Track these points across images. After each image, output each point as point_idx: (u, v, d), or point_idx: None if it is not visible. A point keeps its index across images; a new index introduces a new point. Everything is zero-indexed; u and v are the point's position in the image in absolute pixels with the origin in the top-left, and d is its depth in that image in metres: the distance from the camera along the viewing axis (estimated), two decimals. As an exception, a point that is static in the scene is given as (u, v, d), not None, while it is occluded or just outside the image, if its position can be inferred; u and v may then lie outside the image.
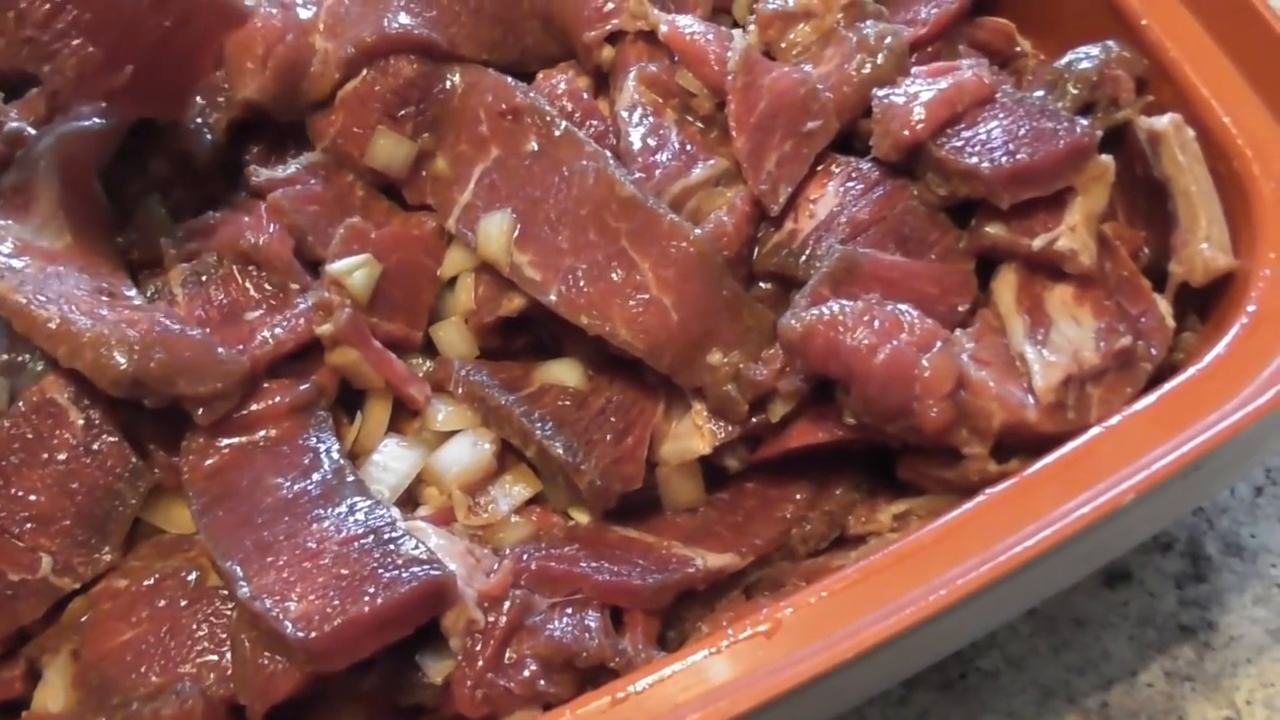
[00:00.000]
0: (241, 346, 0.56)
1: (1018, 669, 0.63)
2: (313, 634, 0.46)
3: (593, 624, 0.51)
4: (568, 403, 0.57)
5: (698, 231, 0.57)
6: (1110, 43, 0.62)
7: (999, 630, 0.63)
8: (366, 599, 0.47)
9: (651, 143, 0.61)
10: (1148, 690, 0.62)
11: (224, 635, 0.50)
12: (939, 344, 0.51)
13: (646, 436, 0.57)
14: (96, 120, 0.62)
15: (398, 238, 0.63)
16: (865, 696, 0.55)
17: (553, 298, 0.57)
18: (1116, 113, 0.60)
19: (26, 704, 0.54)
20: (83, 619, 0.53)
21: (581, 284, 0.56)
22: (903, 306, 0.53)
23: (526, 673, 0.50)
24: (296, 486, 0.53)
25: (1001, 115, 0.58)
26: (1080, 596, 0.64)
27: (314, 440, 0.55)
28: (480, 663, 0.50)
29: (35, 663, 0.55)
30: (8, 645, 0.55)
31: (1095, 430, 0.50)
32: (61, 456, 0.55)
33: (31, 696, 0.54)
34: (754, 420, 0.56)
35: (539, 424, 0.56)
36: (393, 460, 0.57)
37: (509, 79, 0.64)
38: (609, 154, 0.59)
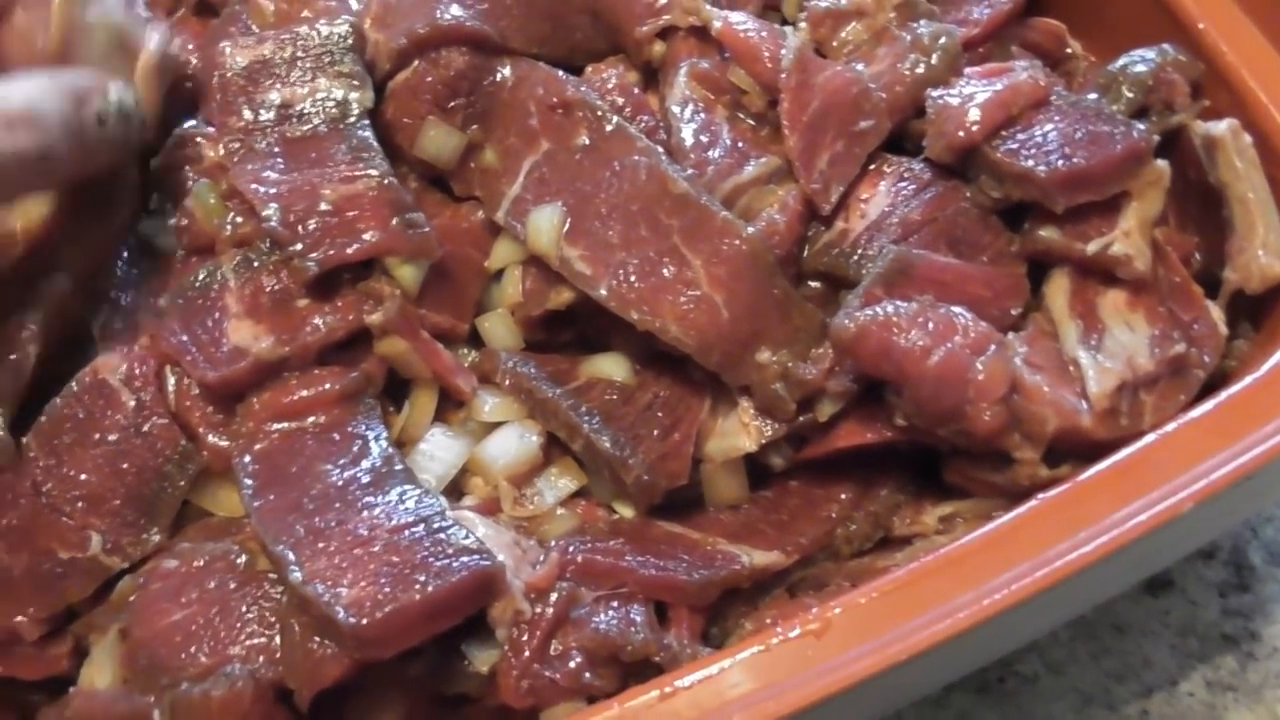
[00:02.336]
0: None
1: (1057, 674, 0.63)
2: (364, 621, 0.46)
3: (638, 618, 0.52)
4: (614, 397, 0.57)
5: (750, 229, 0.57)
6: (1166, 46, 0.62)
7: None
8: (418, 587, 0.47)
9: (703, 139, 0.61)
10: (1188, 699, 0.62)
11: (273, 619, 0.50)
12: (993, 347, 0.51)
13: (693, 433, 0.57)
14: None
15: (446, 230, 0.63)
16: (909, 699, 0.55)
17: (603, 292, 0.57)
18: (1171, 117, 0.60)
19: (72, 680, 0.54)
20: (131, 599, 0.53)
21: (632, 279, 0.56)
22: (956, 309, 0.52)
23: (572, 664, 0.50)
24: (346, 473, 0.53)
25: (1057, 118, 0.57)
26: (1121, 603, 0.64)
27: (363, 428, 0.55)
28: (526, 653, 0.50)
29: (82, 641, 0.55)
30: (56, 623, 0.56)
31: (1150, 437, 0.49)
32: (112, 437, 0.56)
33: (78, 674, 0.55)
34: (801, 419, 0.56)
35: (586, 417, 0.56)
36: (439, 450, 0.58)
37: (560, 72, 0.64)
38: (661, 150, 0.59)
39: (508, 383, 0.59)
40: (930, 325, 0.51)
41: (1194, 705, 0.62)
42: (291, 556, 0.49)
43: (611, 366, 0.59)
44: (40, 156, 0.52)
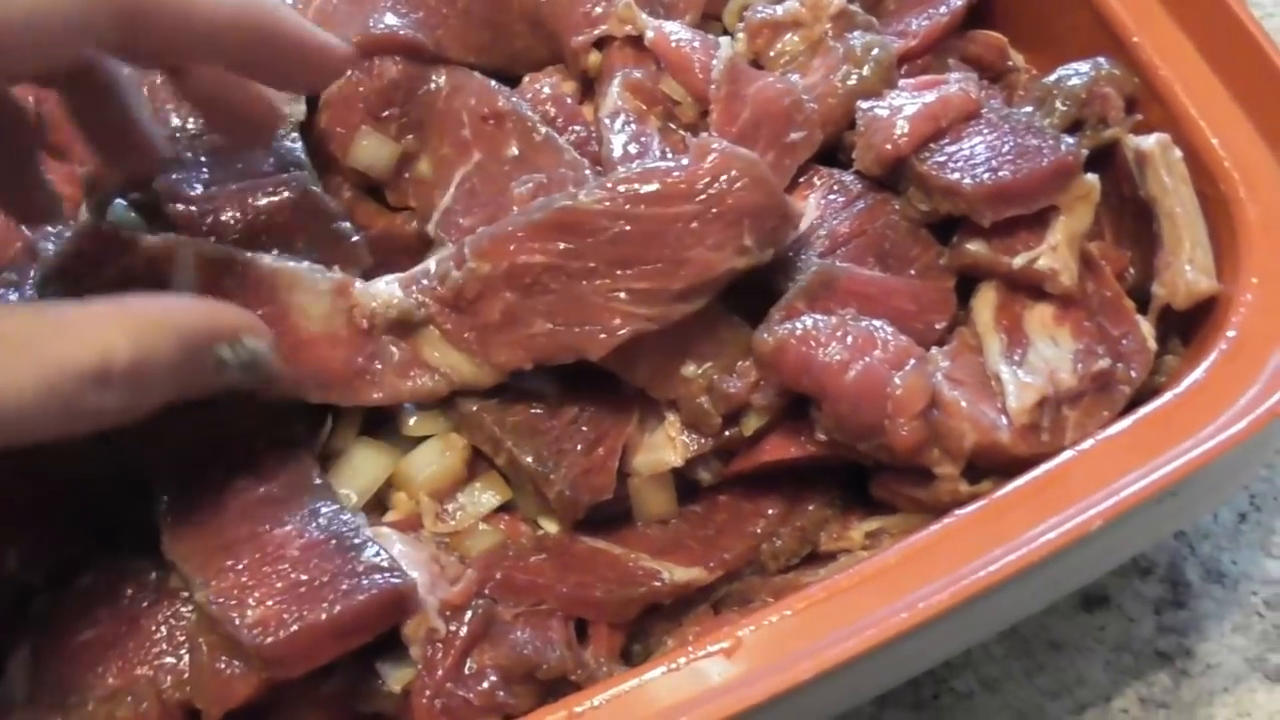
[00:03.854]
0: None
1: (991, 691, 0.62)
2: (269, 640, 0.45)
3: (555, 635, 0.51)
4: (540, 411, 0.57)
5: (672, 244, 0.56)
6: (1101, 60, 0.61)
7: (973, 651, 0.63)
8: (325, 606, 0.46)
9: (633, 150, 0.60)
10: (1122, 716, 0.61)
11: (183, 638, 0.50)
12: (912, 362, 0.50)
13: (618, 447, 0.56)
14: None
15: (381, 240, 0.63)
16: (833, 714, 0.54)
17: (527, 305, 0.56)
18: (1104, 131, 0.60)
19: (-13, 700, 0.54)
20: (46, 615, 0.53)
21: (555, 293, 0.56)
22: (877, 323, 0.52)
23: (486, 684, 0.49)
24: (262, 488, 0.52)
25: (986, 131, 0.57)
26: (1057, 619, 0.64)
27: (284, 441, 0.54)
28: (440, 672, 0.49)
29: (-2, 658, 0.55)
30: (-29, 640, 0.55)
31: (1068, 454, 0.49)
32: (31, 449, 0.55)
33: (-8, 692, 0.54)
34: (727, 433, 0.56)
35: (509, 432, 0.55)
36: (362, 464, 0.57)
37: (493, 83, 0.63)
38: (586, 163, 0.58)
39: (433, 395, 0.58)
40: (849, 339, 0.50)
41: (1128, 722, 0.61)
42: (199, 574, 0.48)
43: (538, 380, 0.58)
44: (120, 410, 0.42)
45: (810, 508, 0.57)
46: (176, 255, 0.53)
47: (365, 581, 0.47)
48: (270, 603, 0.47)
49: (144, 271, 0.52)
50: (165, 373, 0.42)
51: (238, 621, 0.46)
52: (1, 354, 0.37)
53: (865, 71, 0.60)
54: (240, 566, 0.48)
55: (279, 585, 0.47)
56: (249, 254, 0.54)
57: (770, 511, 0.57)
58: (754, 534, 0.56)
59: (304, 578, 0.47)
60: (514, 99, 0.62)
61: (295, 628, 0.46)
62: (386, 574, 0.48)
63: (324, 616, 0.46)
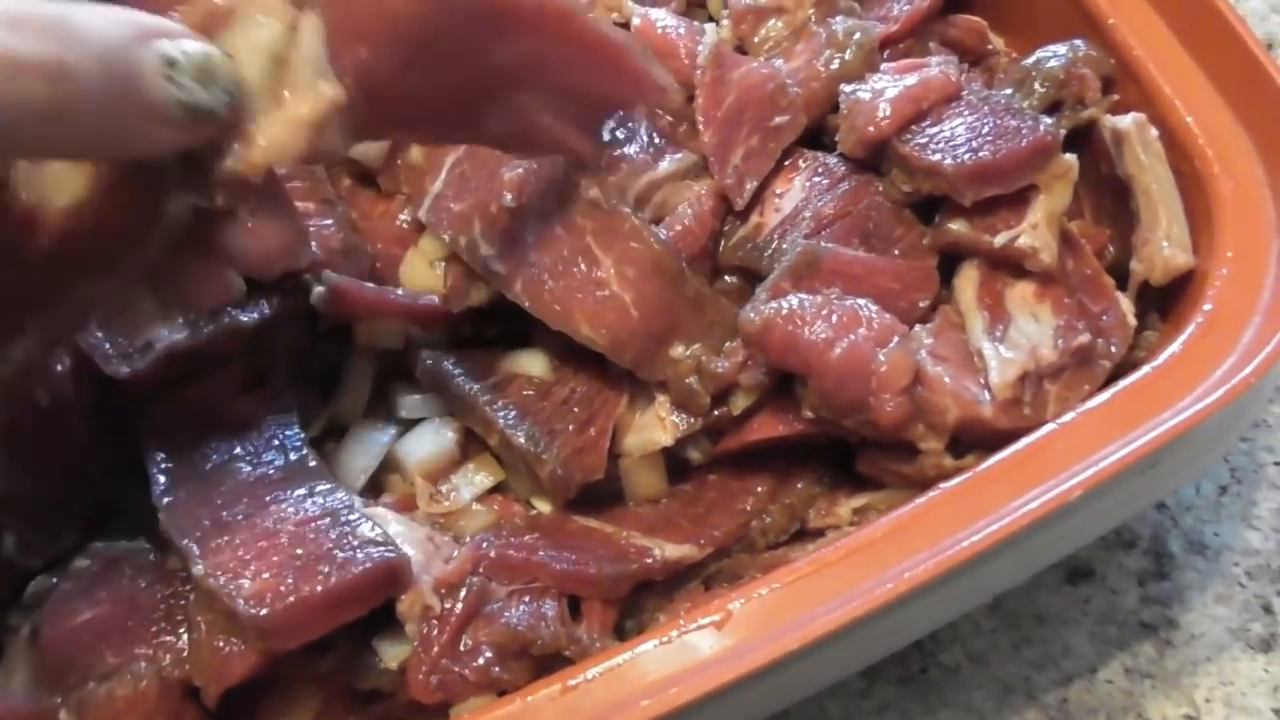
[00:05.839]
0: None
1: (978, 664, 0.63)
2: (264, 611, 0.46)
3: (549, 612, 0.52)
4: (532, 393, 0.58)
5: (661, 234, 0.57)
6: (1078, 42, 0.62)
7: (960, 625, 0.64)
8: (320, 578, 0.47)
9: (620, 135, 0.61)
10: (1107, 687, 0.62)
11: (181, 617, 0.51)
12: (896, 339, 0.51)
13: (609, 427, 0.57)
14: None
15: (377, 227, 0.64)
16: (821, 686, 0.55)
17: (517, 290, 0.57)
18: (1082, 111, 0.61)
19: (-12, 684, 0.54)
20: (44, 598, 0.53)
21: (545, 278, 0.56)
22: (861, 301, 0.53)
23: (482, 660, 0.50)
24: (258, 469, 0.53)
25: (966, 113, 0.58)
26: (1042, 593, 0.65)
27: (278, 423, 0.55)
28: (436, 649, 0.50)
29: (-2, 643, 0.55)
30: (-31, 624, 0.55)
31: (1049, 427, 0.50)
32: (27, 435, 0.56)
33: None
34: (716, 413, 0.57)
35: (502, 413, 0.56)
36: (357, 446, 0.58)
37: (482, 70, 0.64)
38: (576, 147, 0.59)
39: (426, 378, 0.59)
40: (834, 318, 0.51)
41: (1113, 693, 0.62)
42: (196, 550, 0.49)
43: (530, 362, 0.59)
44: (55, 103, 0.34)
45: (799, 485, 0.58)
46: None
47: (360, 555, 0.48)
48: (266, 575, 0.47)
49: None
50: (94, 97, 0.35)
51: (234, 594, 0.47)
52: None
53: (847, 56, 0.61)
54: (237, 542, 0.49)
55: (275, 559, 0.48)
56: None
57: (759, 489, 0.58)
58: (744, 511, 0.57)
59: (299, 552, 0.48)
60: (502, 86, 0.63)
61: (291, 599, 0.47)
62: (381, 548, 0.49)
63: (320, 589, 0.47)
